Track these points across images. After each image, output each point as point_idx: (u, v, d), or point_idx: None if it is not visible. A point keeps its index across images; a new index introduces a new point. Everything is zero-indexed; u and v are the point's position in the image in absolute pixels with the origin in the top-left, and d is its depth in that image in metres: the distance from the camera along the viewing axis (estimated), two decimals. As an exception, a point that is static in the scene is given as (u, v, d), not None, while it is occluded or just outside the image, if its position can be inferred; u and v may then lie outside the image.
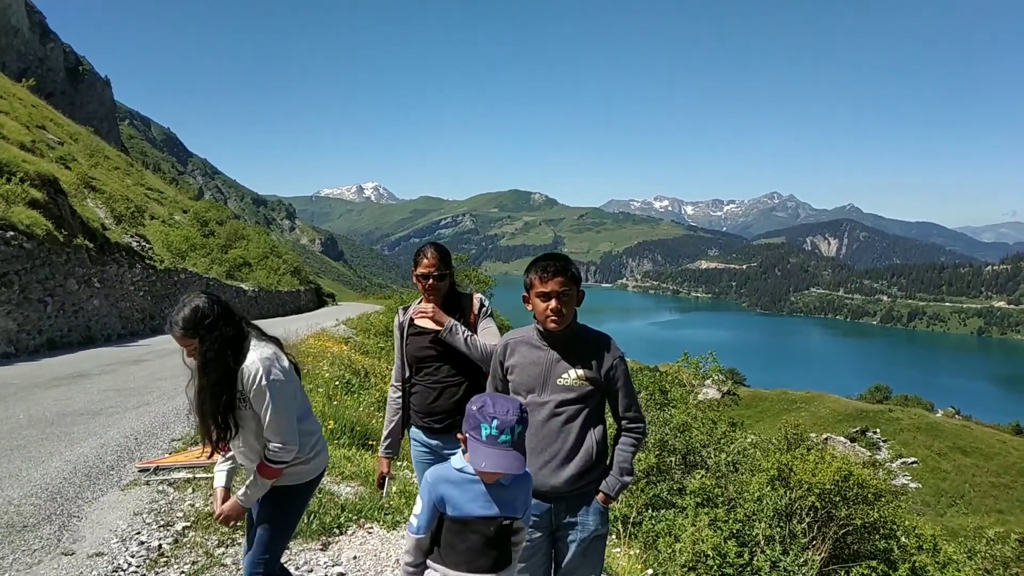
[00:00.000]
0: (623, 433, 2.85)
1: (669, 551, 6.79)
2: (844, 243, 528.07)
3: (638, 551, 6.58)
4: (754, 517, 7.82)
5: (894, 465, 48.47)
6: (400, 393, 3.62)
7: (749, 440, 12.97)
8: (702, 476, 7.99)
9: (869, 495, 7.56)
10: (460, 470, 2.14)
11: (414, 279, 3.51)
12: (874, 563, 7.45)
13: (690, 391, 16.83)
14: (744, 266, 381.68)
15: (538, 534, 2.73)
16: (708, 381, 18.41)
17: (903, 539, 7.68)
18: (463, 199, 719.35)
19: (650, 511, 7.31)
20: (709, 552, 6.56)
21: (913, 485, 45.51)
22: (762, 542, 7.71)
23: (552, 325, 2.71)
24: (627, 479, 2.79)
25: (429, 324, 3.55)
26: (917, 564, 7.31)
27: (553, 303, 2.68)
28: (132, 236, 24.59)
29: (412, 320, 3.63)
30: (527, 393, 2.79)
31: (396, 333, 3.68)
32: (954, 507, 43.22)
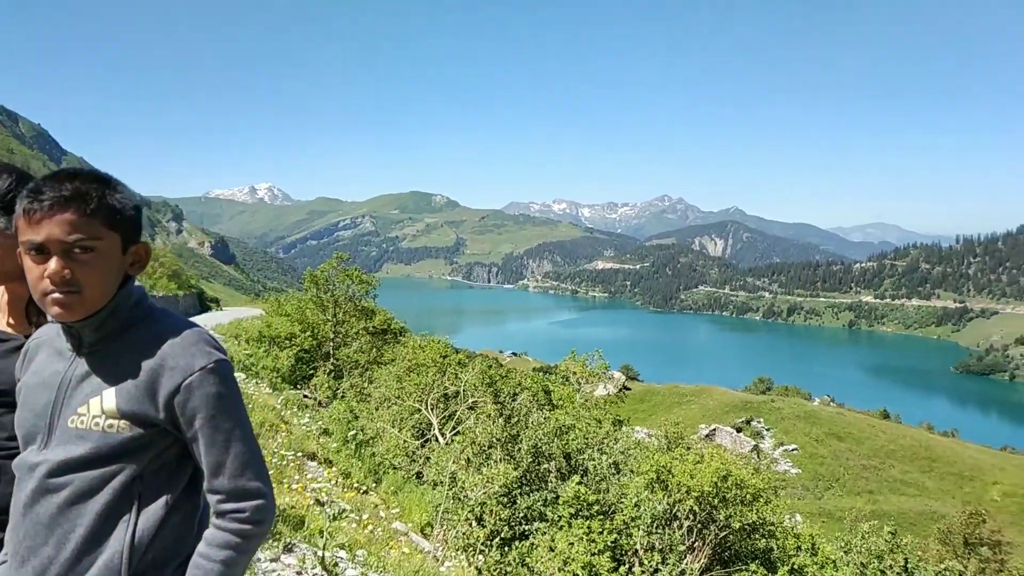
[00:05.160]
0: (211, 525, 1.52)
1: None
2: (729, 243, 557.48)
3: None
4: (632, 524, 7.33)
5: (776, 453, 50.90)
6: None
7: (634, 439, 12.66)
8: (577, 482, 7.39)
9: (747, 496, 7.21)
10: None
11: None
12: (754, 566, 7.13)
13: (577, 389, 16.46)
14: (638, 266, 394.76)
15: None
16: (595, 378, 18.12)
17: (781, 541, 7.40)
18: (362, 200, 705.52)
19: (497, 540, 6.59)
20: (578, 572, 5.92)
21: (794, 471, 47.88)
22: (641, 552, 7.22)
23: (56, 309, 1.42)
24: None
25: None
26: (796, 565, 7.05)
27: (54, 265, 1.39)
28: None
29: None
30: (26, 444, 1.53)
31: None
32: (830, 490, 45.76)
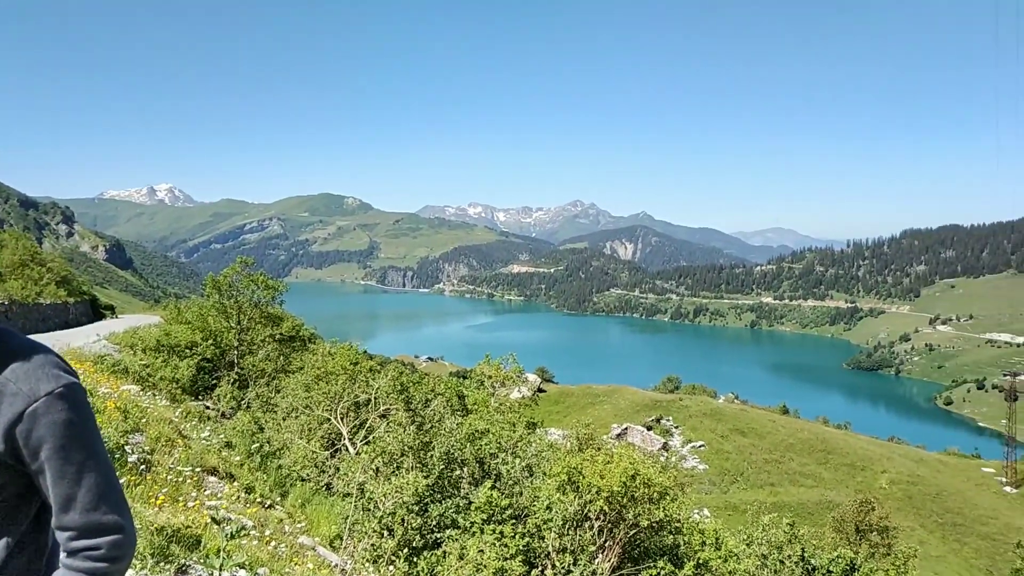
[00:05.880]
0: (61, 565, 1.36)
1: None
2: (639, 247, 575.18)
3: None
4: (544, 527, 7.37)
5: (685, 450, 52.73)
6: None
7: (547, 441, 12.78)
8: (490, 487, 7.37)
9: (655, 494, 7.39)
10: None
11: None
12: (661, 562, 7.31)
13: (492, 394, 16.47)
14: (552, 269, 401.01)
15: None
16: (510, 382, 18.19)
17: (687, 537, 7.63)
18: (270, 202, 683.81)
19: (406, 551, 6.49)
20: (490, 578, 5.90)
21: (701, 467, 49.73)
22: (553, 555, 7.27)
23: None
24: None
25: None
26: (701, 559, 7.29)
27: None
28: None
29: None
30: None
31: None
32: (735, 484, 47.79)
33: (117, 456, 6.09)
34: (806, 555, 8.42)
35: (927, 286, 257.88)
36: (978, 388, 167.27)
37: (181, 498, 5.98)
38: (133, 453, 6.17)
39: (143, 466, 6.21)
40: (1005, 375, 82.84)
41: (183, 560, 4.46)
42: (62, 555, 1.36)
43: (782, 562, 7.99)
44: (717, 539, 7.87)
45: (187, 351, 16.98)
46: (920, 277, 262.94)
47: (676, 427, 57.91)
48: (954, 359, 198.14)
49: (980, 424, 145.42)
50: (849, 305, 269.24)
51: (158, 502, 5.53)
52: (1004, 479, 53.56)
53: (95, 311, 47.90)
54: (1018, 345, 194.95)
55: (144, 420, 8.05)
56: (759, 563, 7.91)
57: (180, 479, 6.47)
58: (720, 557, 7.48)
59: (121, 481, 5.74)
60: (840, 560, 8.54)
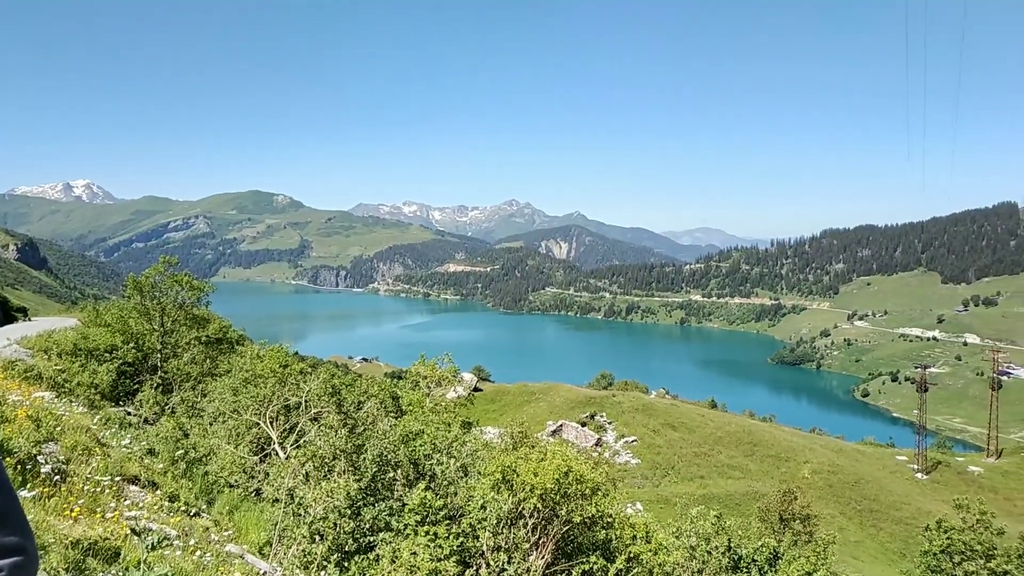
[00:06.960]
0: None
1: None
2: (573, 246, 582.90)
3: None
4: (479, 526, 7.40)
5: (618, 445, 53.72)
6: None
7: (483, 440, 12.81)
8: (424, 488, 7.34)
9: (587, 490, 7.52)
10: None
11: None
12: (594, 557, 7.45)
13: (427, 394, 16.39)
14: (488, 268, 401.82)
15: None
16: (446, 382, 18.12)
17: (618, 531, 7.80)
18: (196, 199, 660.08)
19: (335, 557, 6.41)
20: (423, 580, 5.88)
21: (634, 461, 50.79)
22: (487, 553, 7.31)
23: None
24: None
25: None
26: (632, 553, 7.47)
27: None
28: None
29: None
30: None
31: None
32: (667, 477, 48.97)
33: (29, 467, 5.79)
34: (732, 545, 8.75)
35: (845, 283, 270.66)
36: (892, 380, 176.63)
37: (99, 509, 5.74)
38: (46, 463, 5.88)
39: (57, 476, 5.92)
40: (916, 367, 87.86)
41: (100, 574, 4.28)
42: None
43: (710, 552, 8.27)
44: (647, 533, 8.08)
45: (107, 355, 16.31)
46: (839, 275, 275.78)
47: (610, 423, 58.91)
48: (870, 353, 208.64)
49: (894, 415, 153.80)
50: (773, 302, 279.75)
51: (73, 514, 5.29)
52: (916, 466, 56.82)
53: (6, 314, 45.36)
54: (928, 339, 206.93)
55: (59, 428, 7.68)
56: (688, 555, 8.17)
57: (98, 489, 6.20)
58: (650, 550, 7.68)
59: (33, 493, 5.47)
60: (764, 549, 8.90)
